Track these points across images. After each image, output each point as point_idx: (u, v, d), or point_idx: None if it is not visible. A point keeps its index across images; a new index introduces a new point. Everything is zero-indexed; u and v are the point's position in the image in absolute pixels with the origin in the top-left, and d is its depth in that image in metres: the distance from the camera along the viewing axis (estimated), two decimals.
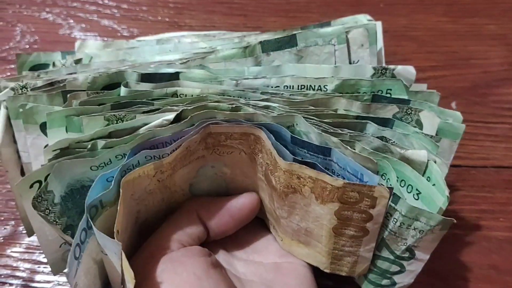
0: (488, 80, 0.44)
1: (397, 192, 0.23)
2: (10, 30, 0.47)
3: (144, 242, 0.28)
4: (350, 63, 0.30)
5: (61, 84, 0.26)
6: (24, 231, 0.36)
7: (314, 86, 0.27)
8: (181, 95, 0.26)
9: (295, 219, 0.27)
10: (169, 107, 0.25)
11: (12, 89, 0.27)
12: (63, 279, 0.34)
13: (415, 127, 0.27)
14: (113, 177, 0.23)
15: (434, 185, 0.24)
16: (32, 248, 0.35)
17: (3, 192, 0.38)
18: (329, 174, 0.23)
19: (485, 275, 0.34)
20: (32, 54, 0.32)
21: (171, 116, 0.24)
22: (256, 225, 0.31)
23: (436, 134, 0.27)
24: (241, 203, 0.29)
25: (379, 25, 0.32)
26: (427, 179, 0.24)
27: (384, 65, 0.31)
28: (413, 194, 0.24)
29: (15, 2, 0.49)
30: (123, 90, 0.25)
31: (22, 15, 0.48)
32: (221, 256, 0.29)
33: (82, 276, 0.23)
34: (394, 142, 0.26)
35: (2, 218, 0.36)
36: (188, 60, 0.27)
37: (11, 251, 0.35)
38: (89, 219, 0.22)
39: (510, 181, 0.39)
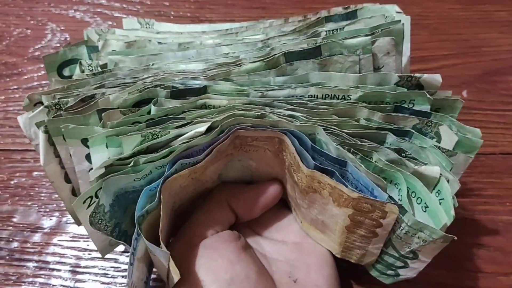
0: (498, 67, 0.46)
1: (406, 205, 0.26)
2: (41, 29, 0.49)
3: (180, 223, 0.31)
4: (374, 69, 0.30)
5: (92, 102, 0.28)
6: (68, 221, 0.40)
7: (338, 95, 0.29)
8: (209, 106, 0.28)
9: (313, 212, 0.30)
10: (199, 119, 0.27)
11: (46, 107, 0.28)
12: (106, 264, 0.37)
13: (433, 138, 0.28)
14: (156, 187, 0.26)
15: (442, 199, 0.26)
16: (77, 237, 0.39)
17: (47, 186, 0.41)
18: (346, 185, 0.26)
19: (491, 256, 0.37)
20: (58, 52, 0.33)
21: (202, 128, 0.26)
22: (279, 204, 0.33)
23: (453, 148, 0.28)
24: (266, 191, 0.32)
25: (407, 20, 0.32)
26: (437, 192, 0.26)
27: (409, 69, 0.32)
28: (422, 206, 0.26)
29: (44, 1, 0.51)
30: (153, 109, 0.27)
31: (51, 13, 0.50)
32: (249, 236, 0.32)
33: (136, 273, 0.26)
34: (410, 154, 0.28)
35: (48, 210, 0.40)
36: (213, 74, 0.29)
37: (58, 240, 0.39)
38: (139, 230, 0.25)
39: None
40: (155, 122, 0.27)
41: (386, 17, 0.31)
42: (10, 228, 0.39)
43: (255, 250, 0.31)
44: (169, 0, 0.51)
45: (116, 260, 0.37)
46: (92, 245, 0.38)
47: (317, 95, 0.29)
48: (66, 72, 0.33)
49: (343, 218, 0.28)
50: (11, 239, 0.39)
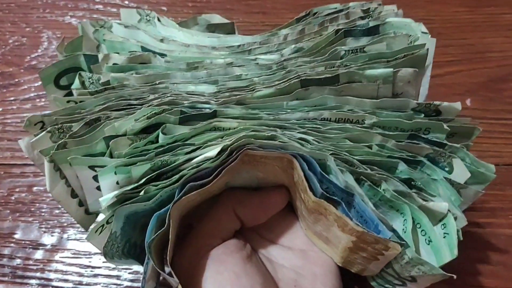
0: (503, 74, 0.45)
1: (409, 238, 0.26)
2: (37, 37, 0.49)
3: (185, 224, 0.31)
4: (393, 95, 0.29)
5: (98, 128, 0.27)
6: (70, 238, 0.40)
7: (352, 120, 0.28)
8: (219, 128, 0.28)
9: (318, 227, 0.30)
10: (209, 142, 0.27)
11: (49, 131, 0.28)
12: (108, 280, 0.38)
13: (445, 167, 0.28)
14: (165, 212, 0.26)
15: (447, 234, 0.26)
16: (78, 253, 0.39)
17: (47, 201, 0.41)
18: (351, 218, 0.25)
19: (493, 271, 0.37)
20: (53, 64, 0.31)
21: (213, 153, 0.26)
22: (286, 208, 0.33)
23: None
24: (272, 199, 0.32)
25: (433, 43, 0.30)
26: (442, 225, 0.26)
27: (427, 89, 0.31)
28: (426, 239, 0.26)
29: (39, 6, 0.50)
30: (162, 137, 0.27)
31: (47, 19, 0.49)
32: (255, 240, 0.33)
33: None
34: (420, 184, 0.28)
35: (49, 226, 0.40)
36: (225, 99, 0.28)
37: (60, 257, 0.39)
38: (150, 255, 0.25)
39: None
40: (164, 150, 0.27)
41: (410, 36, 0.30)
42: (12, 245, 0.39)
43: (261, 254, 0.32)
44: (167, 5, 0.50)
45: (118, 277, 0.38)
46: (94, 262, 0.38)
47: (330, 118, 0.28)
48: (63, 81, 0.32)
49: (346, 241, 0.28)
50: (13, 256, 0.39)
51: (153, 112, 0.28)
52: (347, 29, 0.30)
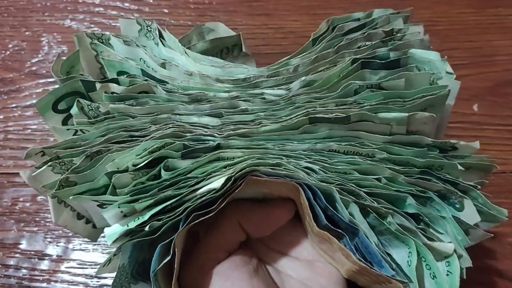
0: (510, 78, 0.45)
1: (413, 274, 0.26)
2: (37, 41, 0.48)
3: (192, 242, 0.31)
4: (407, 132, 0.27)
5: (100, 161, 0.27)
6: (75, 248, 0.40)
7: (362, 153, 0.27)
8: (222, 159, 0.27)
9: (323, 247, 0.30)
10: (213, 174, 0.26)
11: (50, 165, 0.27)
12: None
13: (456, 204, 0.27)
14: (170, 242, 0.25)
15: (451, 273, 0.26)
16: (84, 264, 0.39)
17: None
18: (354, 253, 0.25)
19: (499, 281, 0.37)
20: (50, 92, 0.30)
21: (217, 184, 0.26)
22: (293, 218, 0.32)
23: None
24: (277, 213, 0.31)
25: (457, 86, 0.28)
26: (447, 262, 0.26)
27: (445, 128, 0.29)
28: (430, 274, 0.26)
29: (38, 9, 0.49)
30: (164, 173, 0.26)
31: (47, 23, 0.48)
32: (261, 250, 0.32)
33: None
34: (427, 220, 0.27)
35: (54, 237, 0.40)
36: (229, 133, 0.28)
37: (65, 267, 0.39)
38: (156, 286, 0.25)
39: None
40: (167, 185, 0.26)
41: (433, 74, 0.28)
42: (18, 255, 0.39)
43: (268, 265, 0.32)
44: (169, 7, 0.49)
45: None
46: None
47: (338, 150, 0.27)
48: (62, 106, 0.31)
49: (350, 266, 0.27)
50: (19, 267, 0.39)
51: (155, 146, 0.27)
52: (364, 60, 0.28)
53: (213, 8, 0.49)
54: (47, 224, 0.40)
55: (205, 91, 0.29)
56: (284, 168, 0.27)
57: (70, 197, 0.26)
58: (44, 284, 0.38)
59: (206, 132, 0.27)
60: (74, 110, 0.30)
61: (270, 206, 0.32)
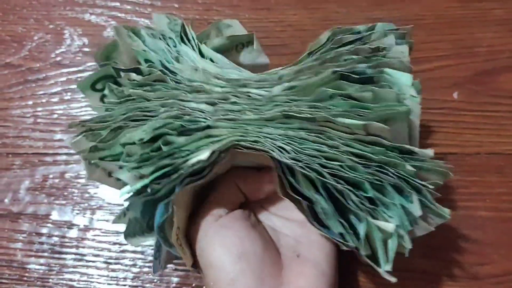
0: (489, 68, 0.49)
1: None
2: (60, 34, 0.53)
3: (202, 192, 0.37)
4: (368, 134, 0.31)
5: (119, 135, 0.33)
6: (99, 219, 0.45)
7: (328, 143, 0.32)
8: (211, 136, 0.32)
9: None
10: (201, 147, 0.32)
11: (85, 135, 0.35)
12: (134, 255, 0.43)
13: (408, 197, 0.31)
14: (169, 201, 0.32)
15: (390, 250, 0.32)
16: (108, 232, 0.45)
17: (78, 187, 0.47)
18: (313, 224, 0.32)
19: (469, 248, 0.41)
20: (89, 75, 0.36)
21: (204, 156, 0.31)
22: None
23: None
24: (268, 177, 0.37)
25: (419, 107, 0.32)
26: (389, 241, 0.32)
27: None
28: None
29: (60, 4, 0.54)
30: (163, 147, 0.32)
31: (68, 17, 0.53)
32: (260, 212, 0.38)
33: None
34: (380, 204, 0.32)
35: (81, 208, 0.46)
36: (219, 117, 0.33)
37: (91, 235, 0.44)
38: (161, 239, 0.32)
39: (500, 166, 0.44)
40: (165, 156, 0.32)
41: (399, 93, 0.31)
42: (49, 225, 0.45)
43: (266, 224, 0.37)
44: (178, 2, 0.53)
45: (143, 253, 0.43)
46: (121, 240, 0.44)
47: (307, 139, 0.32)
48: (99, 86, 0.38)
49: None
50: (51, 235, 0.45)
51: (158, 125, 0.33)
52: (343, 73, 0.31)
53: (219, 3, 0.53)
54: (75, 198, 0.46)
55: (205, 84, 0.34)
56: (261, 145, 0.32)
57: (94, 161, 0.34)
58: (73, 250, 0.44)
59: (201, 115, 0.33)
60: (106, 91, 0.37)
61: (262, 172, 0.37)
